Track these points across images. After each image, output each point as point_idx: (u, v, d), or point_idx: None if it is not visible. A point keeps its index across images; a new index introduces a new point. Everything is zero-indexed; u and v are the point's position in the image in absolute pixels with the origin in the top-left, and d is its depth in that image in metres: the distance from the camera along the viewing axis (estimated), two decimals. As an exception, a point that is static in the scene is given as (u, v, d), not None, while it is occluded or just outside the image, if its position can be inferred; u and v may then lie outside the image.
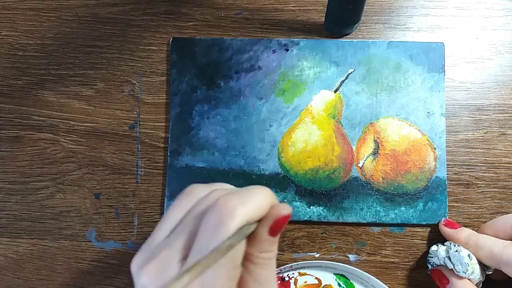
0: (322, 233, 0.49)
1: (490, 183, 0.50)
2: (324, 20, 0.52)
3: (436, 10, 0.52)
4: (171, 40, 0.51)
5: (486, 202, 0.49)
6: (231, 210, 0.29)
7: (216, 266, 0.28)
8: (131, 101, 0.51)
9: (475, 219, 0.49)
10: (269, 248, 0.32)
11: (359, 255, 0.49)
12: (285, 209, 0.32)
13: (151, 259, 0.30)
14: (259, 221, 0.32)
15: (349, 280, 0.48)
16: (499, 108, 0.50)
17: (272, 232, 0.32)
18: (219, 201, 0.30)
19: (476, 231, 0.46)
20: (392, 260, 0.49)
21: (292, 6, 0.53)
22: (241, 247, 0.30)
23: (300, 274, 0.48)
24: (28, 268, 0.50)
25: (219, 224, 0.29)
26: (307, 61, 0.51)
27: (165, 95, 0.51)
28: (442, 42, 0.51)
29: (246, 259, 0.32)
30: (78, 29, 0.52)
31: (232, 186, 0.36)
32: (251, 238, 0.32)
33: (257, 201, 0.31)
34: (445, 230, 0.47)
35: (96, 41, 0.52)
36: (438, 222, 0.48)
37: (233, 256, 0.29)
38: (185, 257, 0.29)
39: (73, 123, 0.51)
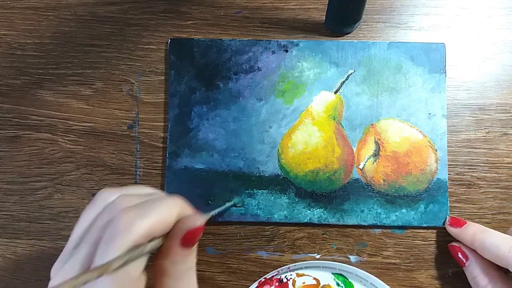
0: (323, 234, 0.49)
1: (491, 183, 0.49)
2: (324, 19, 0.51)
3: (437, 9, 0.52)
4: (169, 41, 0.51)
5: (487, 202, 0.49)
6: (128, 224, 0.27)
7: (105, 280, 0.26)
8: (130, 100, 0.51)
9: (477, 219, 0.49)
10: (183, 259, 0.31)
11: (360, 256, 0.49)
12: (197, 221, 0.31)
13: (59, 269, 0.29)
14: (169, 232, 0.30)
15: (347, 279, 0.48)
16: (501, 107, 0.50)
17: (185, 244, 0.30)
18: (119, 213, 0.28)
19: (505, 232, 0.45)
20: (394, 261, 0.49)
21: (293, 5, 0.52)
22: (140, 261, 0.28)
23: (298, 275, 0.48)
24: (27, 269, 0.50)
25: (112, 240, 0.27)
26: (307, 62, 0.50)
27: (164, 94, 0.51)
28: (443, 43, 0.50)
29: (160, 271, 0.31)
30: (76, 28, 0.52)
31: (148, 190, 0.34)
32: (163, 249, 0.30)
33: (159, 214, 0.29)
34: (451, 229, 0.47)
35: (95, 40, 0.52)
36: (444, 221, 0.48)
37: (127, 270, 0.27)
38: (88, 268, 0.28)
39: (71, 122, 0.51)
